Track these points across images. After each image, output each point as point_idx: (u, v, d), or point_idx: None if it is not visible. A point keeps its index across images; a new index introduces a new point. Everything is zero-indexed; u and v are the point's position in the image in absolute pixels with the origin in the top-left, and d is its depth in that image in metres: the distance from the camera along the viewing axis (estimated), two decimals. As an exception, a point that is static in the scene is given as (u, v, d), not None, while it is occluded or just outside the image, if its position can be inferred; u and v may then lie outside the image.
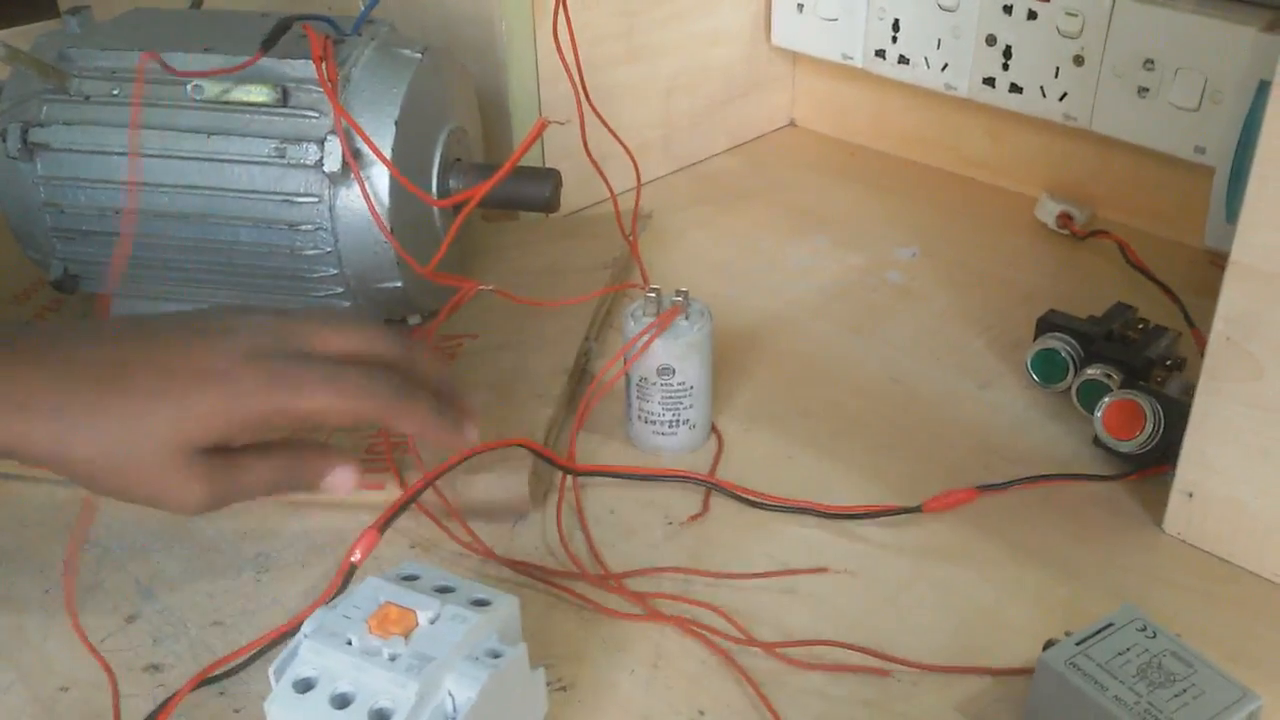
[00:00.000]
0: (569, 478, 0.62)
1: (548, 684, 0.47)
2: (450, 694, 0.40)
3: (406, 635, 0.41)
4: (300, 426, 0.50)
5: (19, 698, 0.52)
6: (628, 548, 0.59)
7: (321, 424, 0.50)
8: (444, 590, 0.43)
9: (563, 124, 0.67)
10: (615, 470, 0.63)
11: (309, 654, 0.41)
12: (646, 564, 0.57)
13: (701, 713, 0.50)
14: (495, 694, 0.41)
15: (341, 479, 0.52)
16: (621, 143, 0.77)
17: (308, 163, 0.63)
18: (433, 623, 0.42)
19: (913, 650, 0.52)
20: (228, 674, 0.51)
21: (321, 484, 0.52)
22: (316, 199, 0.64)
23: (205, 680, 0.50)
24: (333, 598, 0.47)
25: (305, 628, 0.42)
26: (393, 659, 0.40)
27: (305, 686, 0.40)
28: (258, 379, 0.47)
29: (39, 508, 0.62)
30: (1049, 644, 0.48)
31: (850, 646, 0.52)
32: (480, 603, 0.43)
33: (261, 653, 0.52)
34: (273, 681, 0.41)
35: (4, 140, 0.66)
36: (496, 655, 0.41)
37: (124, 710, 0.50)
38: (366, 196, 0.63)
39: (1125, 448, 0.61)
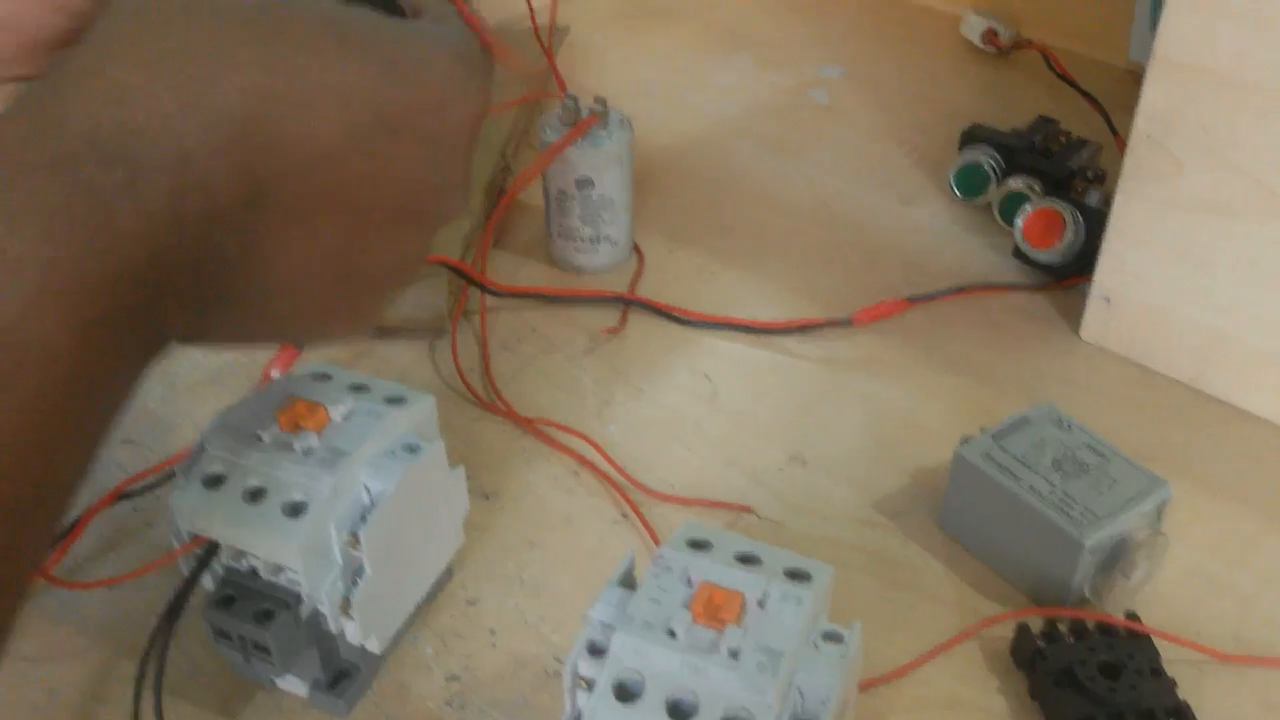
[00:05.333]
0: (485, 296, 0.60)
1: (472, 494, 0.46)
2: (366, 488, 0.39)
3: (319, 430, 0.40)
4: None
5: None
6: (549, 364, 0.58)
7: None
8: (357, 389, 0.42)
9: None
10: (533, 291, 0.61)
11: (217, 450, 0.39)
12: (568, 380, 0.57)
13: (624, 515, 0.50)
14: (413, 489, 0.40)
15: None
16: (537, -48, 0.74)
17: None
18: (346, 419, 0.40)
19: (830, 453, 0.53)
20: (142, 490, 0.50)
21: None
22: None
23: (119, 496, 0.49)
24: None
25: (210, 424, 0.40)
26: (306, 453, 0.39)
27: (215, 482, 0.39)
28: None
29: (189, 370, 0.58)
30: (965, 440, 0.48)
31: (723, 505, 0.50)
32: (395, 400, 0.42)
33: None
34: (181, 480, 0.39)
35: None
36: (413, 450, 0.40)
37: (31, 526, 0.49)
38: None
39: (1045, 257, 0.61)
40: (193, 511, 0.39)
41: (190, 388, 0.56)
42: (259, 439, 0.39)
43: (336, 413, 0.40)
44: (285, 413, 0.40)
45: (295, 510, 0.38)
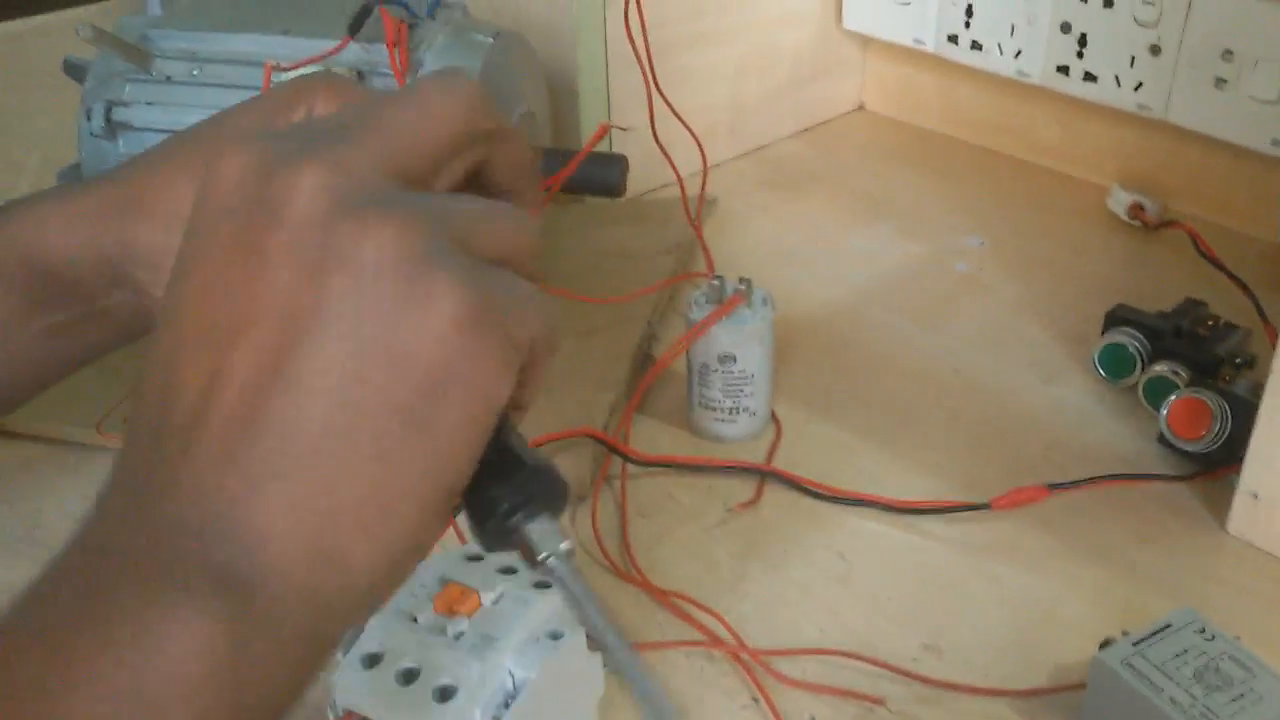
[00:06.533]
0: (627, 466, 0.63)
1: (605, 667, 0.48)
2: (511, 673, 0.41)
3: (470, 614, 0.42)
4: None
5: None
6: (685, 534, 0.59)
7: None
8: (506, 571, 0.44)
9: (624, 129, 0.68)
10: (672, 460, 0.63)
11: (376, 629, 0.42)
12: (704, 552, 0.58)
13: (755, 699, 0.50)
14: (555, 674, 0.42)
15: None
16: (688, 127, 0.77)
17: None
18: (495, 603, 0.43)
19: (965, 644, 0.53)
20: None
21: None
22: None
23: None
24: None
25: (372, 604, 0.43)
26: (457, 637, 0.41)
27: (372, 661, 0.41)
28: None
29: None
30: (1105, 643, 0.48)
31: (852, 655, 0.52)
32: (542, 585, 0.44)
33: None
34: (340, 656, 0.42)
35: (89, 118, 0.67)
36: (556, 636, 0.42)
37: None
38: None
39: (1191, 447, 0.61)
40: (350, 689, 0.41)
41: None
42: (414, 620, 0.42)
43: (487, 597, 0.43)
44: (440, 596, 0.42)
45: (445, 695, 0.40)
